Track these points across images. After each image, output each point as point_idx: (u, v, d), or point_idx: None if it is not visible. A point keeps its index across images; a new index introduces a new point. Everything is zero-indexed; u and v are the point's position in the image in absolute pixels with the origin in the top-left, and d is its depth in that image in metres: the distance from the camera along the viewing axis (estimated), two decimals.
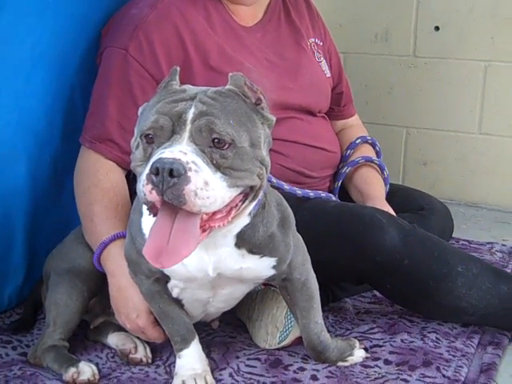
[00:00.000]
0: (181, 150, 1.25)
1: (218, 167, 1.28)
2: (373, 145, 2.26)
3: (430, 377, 1.66)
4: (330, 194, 2.02)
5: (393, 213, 1.95)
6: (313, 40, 2.16)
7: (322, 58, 2.18)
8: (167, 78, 1.42)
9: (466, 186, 3.20)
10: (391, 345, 1.80)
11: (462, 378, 1.67)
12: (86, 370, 1.65)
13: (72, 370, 1.63)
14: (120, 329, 1.81)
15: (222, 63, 1.90)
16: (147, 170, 1.25)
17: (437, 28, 3.16)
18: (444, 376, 1.67)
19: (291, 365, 1.71)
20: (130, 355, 1.73)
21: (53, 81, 1.96)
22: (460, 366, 1.71)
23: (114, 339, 1.80)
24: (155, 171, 1.23)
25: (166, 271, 1.51)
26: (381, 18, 3.26)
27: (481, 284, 1.80)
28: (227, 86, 1.39)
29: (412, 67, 3.24)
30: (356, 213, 1.84)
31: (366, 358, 1.73)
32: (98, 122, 1.84)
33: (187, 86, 1.40)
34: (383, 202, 2.06)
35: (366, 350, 1.76)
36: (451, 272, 1.79)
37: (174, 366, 1.70)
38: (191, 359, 1.61)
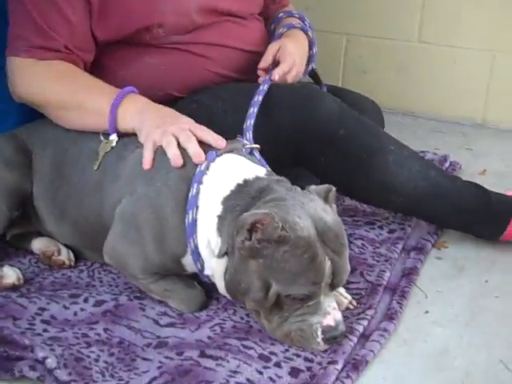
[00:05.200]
0: (333, 307, 1.43)
1: None
2: (304, 30, 2.11)
3: (353, 282, 1.69)
4: None
5: None
6: None
7: None
8: (270, 233, 1.37)
9: (404, 95, 3.19)
10: None
11: (384, 283, 1.70)
12: (11, 273, 1.62)
13: None
14: (43, 235, 1.78)
15: None
16: (321, 335, 1.42)
17: None
18: (367, 281, 1.70)
19: None
20: (53, 257, 1.71)
21: None
22: (383, 271, 1.74)
23: (37, 244, 1.77)
24: (332, 340, 1.43)
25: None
26: None
27: (411, 165, 1.83)
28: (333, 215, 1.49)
29: None
30: (294, 86, 1.87)
31: None
32: (25, 31, 1.74)
33: (298, 222, 1.39)
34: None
35: None
36: (384, 148, 1.82)
37: (98, 271, 1.71)
38: None
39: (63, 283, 1.65)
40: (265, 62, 1.94)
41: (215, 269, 1.48)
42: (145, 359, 1.39)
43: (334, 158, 1.82)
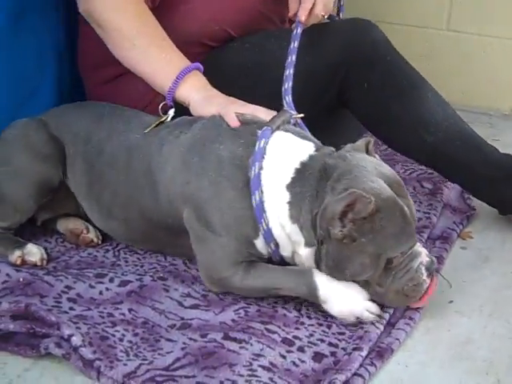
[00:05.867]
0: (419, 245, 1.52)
1: None
2: None
3: None
4: None
5: None
6: None
7: None
8: (363, 211, 1.39)
9: (431, 84, 3.16)
10: None
11: None
12: (35, 251, 1.63)
13: (18, 252, 1.62)
14: (70, 215, 1.79)
15: None
16: (425, 272, 1.48)
17: None
18: None
19: None
20: (82, 235, 1.73)
21: None
22: None
23: (64, 223, 1.77)
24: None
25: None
26: None
27: (446, 107, 1.88)
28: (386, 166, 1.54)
29: None
30: (345, 19, 2.03)
31: None
32: None
33: (377, 187, 1.42)
34: None
35: None
36: (424, 83, 1.90)
37: (124, 251, 1.72)
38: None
39: (89, 262, 1.67)
40: (292, 9, 1.93)
41: (303, 256, 1.50)
42: (169, 340, 1.40)
43: (377, 82, 1.86)
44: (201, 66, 1.72)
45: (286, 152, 1.53)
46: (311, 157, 1.52)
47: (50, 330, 1.37)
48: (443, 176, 2.00)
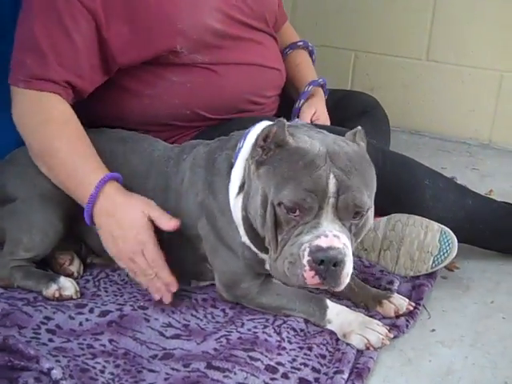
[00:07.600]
0: (334, 235, 1.34)
1: (353, 236, 1.40)
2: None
3: None
4: None
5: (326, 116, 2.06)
6: None
7: None
8: (277, 135, 1.41)
9: (411, 114, 3.20)
10: None
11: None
12: (68, 285, 1.63)
13: (54, 286, 1.61)
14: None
15: None
16: (307, 257, 1.33)
17: None
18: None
19: None
20: (65, 265, 1.71)
21: None
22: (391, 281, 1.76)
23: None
24: (320, 262, 1.32)
25: None
26: None
27: (447, 197, 1.83)
28: (355, 147, 1.46)
29: None
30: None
31: None
32: (29, 58, 1.68)
33: (307, 140, 1.42)
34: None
35: None
36: (419, 184, 1.82)
37: (104, 281, 1.71)
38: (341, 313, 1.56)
39: None
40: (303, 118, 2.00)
41: (237, 213, 1.52)
42: (151, 371, 1.38)
43: None
44: (115, 175, 1.63)
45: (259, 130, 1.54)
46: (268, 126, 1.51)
47: (29, 363, 1.34)
48: None
